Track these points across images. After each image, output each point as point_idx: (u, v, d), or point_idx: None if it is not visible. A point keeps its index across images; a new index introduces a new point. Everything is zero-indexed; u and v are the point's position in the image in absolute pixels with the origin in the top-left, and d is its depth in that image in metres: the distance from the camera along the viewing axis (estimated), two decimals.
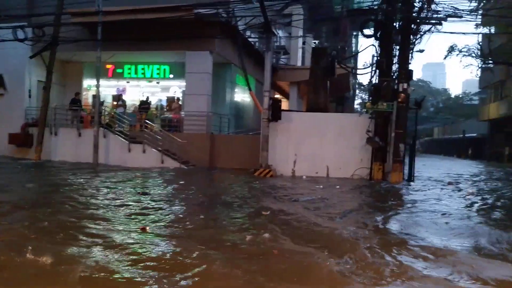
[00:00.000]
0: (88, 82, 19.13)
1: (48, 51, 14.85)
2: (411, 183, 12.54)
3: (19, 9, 14.70)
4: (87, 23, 15.11)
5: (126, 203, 7.39)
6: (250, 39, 18.19)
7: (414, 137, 14.47)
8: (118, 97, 17.72)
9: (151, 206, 7.16)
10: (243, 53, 14.59)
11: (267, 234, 5.23)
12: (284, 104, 24.84)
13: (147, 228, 5.44)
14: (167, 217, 6.39)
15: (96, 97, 15.02)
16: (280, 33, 23.74)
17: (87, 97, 19.11)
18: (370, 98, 13.29)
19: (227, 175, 12.93)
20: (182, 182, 10.91)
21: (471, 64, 32.83)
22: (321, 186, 11.04)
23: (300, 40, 25.66)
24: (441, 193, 10.58)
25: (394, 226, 6.33)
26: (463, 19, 12.39)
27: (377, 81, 12.99)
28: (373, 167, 12.68)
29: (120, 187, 9.36)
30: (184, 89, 17.06)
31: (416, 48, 13.32)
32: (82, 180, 10.43)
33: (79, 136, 15.14)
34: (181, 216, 6.60)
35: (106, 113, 16.51)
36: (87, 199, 7.64)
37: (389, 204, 8.80)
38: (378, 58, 12.57)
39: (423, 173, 15.68)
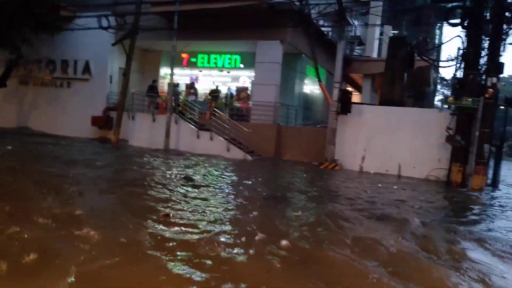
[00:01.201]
0: (165, 71, 19.94)
1: (129, 39, 15.67)
2: (496, 190, 11.29)
3: None
4: (165, 12, 15.66)
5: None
6: (323, 29, 17.60)
7: (502, 138, 12.97)
8: (190, 85, 18.24)
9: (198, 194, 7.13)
10: (315, 43, 14.14)
11: (285, 241, 4.45)
12: (357, 98, 23.87)
13: (171, 214, 5.26)
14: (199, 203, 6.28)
15: (170, 84, 15.59)
16: (356, 22, 22.74)
17: (164, 84, 19.95)
18: (453, 92, 12.12)
19: (291, 167, 12.68)
20: (241, 170, 10.93)
21: None
22: (379, 185, 10.24)
23: (378, 30, 24.36)
24: None
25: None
26: None
27: (462, 75, 11.81)
28: (452, 169, 11.58)
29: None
30: (253, 79, 17.05)
31: (510, 39, 11.88)
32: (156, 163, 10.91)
33: (153, 121, 15.83)
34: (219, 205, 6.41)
35: (179, 100, 17.07)
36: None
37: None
38: (465, 49, 11.39)
39: (510, 179, 14.10)
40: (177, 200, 6.34)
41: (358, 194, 8.62)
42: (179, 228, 4.76)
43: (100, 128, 17.63)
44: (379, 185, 10.27)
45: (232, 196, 7.24)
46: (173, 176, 8.71)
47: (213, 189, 7.69)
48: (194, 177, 8.66)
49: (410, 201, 8.21)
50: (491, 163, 11.98)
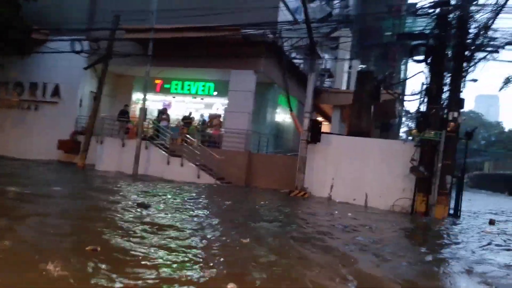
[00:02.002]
0: (138, 96, 19.82)
1: (101, 63, 15.61)
2: (457, 220, 11.73)
3: (77, 24, 15.63)
4: (140, 39, 15.78)
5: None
6: (295, 61, 18.20)
7: (463, 169, 13.57)
8: (162, 111, 18.21)
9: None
10: (287, 74, 14.58)
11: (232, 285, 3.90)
12: (326, 128, 24.49)
13: (98, 248, 4.65)
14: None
15: (142, 109, 15.52)
16: (326, 56, 23.63)
17: (136, 109, 19.80)
18: (417, 125, 12.72)
19: (260, 194, 12.72)
20: (207, 197, 10.78)
21: None
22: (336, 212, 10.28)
23: (346, 64, 25.37)
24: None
25: None
26: None
27: (425, 109, 12.45)
28: (417, 198, 11.99)
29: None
30: (226, 106, 17.26)
31: (470, 76, 12.72)
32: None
33: (122, 146, 15.59)
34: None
35: (151, 125, 16.98)
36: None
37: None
38: (428, 84, 12.06)
39: (470, 209, 14.65)
40: (119, 230, 5.76)
41: (315, 223, 8.51)
42: (104, 268, 4.08)
43: (66, 152, 17.17)
44: (336, 211, 10.35)
45: (186, 225, 6.74)
46: (128, 203, 8.27)
47: (168, 217, 7.24)
48: (150, 204, 8.19)
49: (363, 230, 8.22)
50: (453, 193, 12.46)
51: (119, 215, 6.94)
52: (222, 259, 4.83)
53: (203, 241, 5.73)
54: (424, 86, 12.78)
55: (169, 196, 10.21)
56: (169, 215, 7.49)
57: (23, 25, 15.97)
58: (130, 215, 7.04)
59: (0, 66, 16.23)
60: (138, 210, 7.59)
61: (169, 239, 5.55)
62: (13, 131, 18.47)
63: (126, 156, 15.08)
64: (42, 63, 17.87)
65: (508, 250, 7.59)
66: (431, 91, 12.03)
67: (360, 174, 13.00)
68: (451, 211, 12.21)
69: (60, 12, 17.64)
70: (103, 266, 4.11)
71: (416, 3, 15.45)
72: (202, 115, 18.40)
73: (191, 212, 8.11)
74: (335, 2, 23.79)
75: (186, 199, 10.04)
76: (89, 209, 7.43)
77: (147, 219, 6.82)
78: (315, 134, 13.10)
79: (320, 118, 25.26)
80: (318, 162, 13.39)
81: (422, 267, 5.73)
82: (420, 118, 12.22)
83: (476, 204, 17.72)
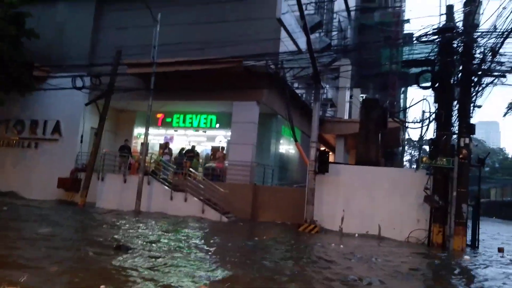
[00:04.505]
0: (139, 130, 19.61)
1: (103, 99, 15.44)
2: (477, 251, 11.13)
3: (79, 59, 15.60)
4: (141, 73, 15.71)
5: None
6: (297, 91, 18.08)
7: (478, 197, 13.08)
8: (165, 145, 17.91)
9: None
10: (290, 104, 14.38)
11: None
12: (330, 158, 24.14)
13: None
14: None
15: (144, 144, 15.21)
16: (327, 86, 23.64)
17: (137, 144, 19.51)
18: (429, 153, 12.30)
19: (267, 230, 12.10)
20: (207, 235, 10.07)
21: None
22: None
23: (348, 93, 25.39)
24: None
25: None
26: None
27: (434, 135, 12.12)
28: (432, 230, 11.43)
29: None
30: (229, 138, 16.97)
31: (477, 102, 12.45)
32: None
33: (124, 182, 15.16)
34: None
35: (153, 160, 16.61)
36: None
37: None
38: (436, 110, 11.79)
39: (484, 238, 13.98)
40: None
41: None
42: None
43: (67, 190, 16.70)
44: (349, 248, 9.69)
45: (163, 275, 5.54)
46: (106, 244, 7.47)
47: (146, 264, 6.01)
48: (129, 247, 7.18)
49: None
50: (469, 223, 11.92)
51: (85, 260, 6.15)
52: None
53: None
54: (427, 114, 12.52)
55: (161, 235, 9.17)
56: (149, 261, 6.21)
57: (24, 62, 15.91)
58: (100, 259, 6.20)
59: (1, 103, 16.02)
60: (116, 253, 6.61)
61: None
62: (14, 169, 18.11)
63: (128, 193, 14.61)
64: (43, 100, 17.76)
65: None
66: (440, 117, 11.73)
67: (372, 204, 12.49)
68: (468, 242, 11.64)
69: (61, 49, 17.70)
70: None
71: (412, 33, 15.47)
72: (193, 146, 17.75)
73: (181, 258, 6.76)
74: (333, 33, 24.09)
75: (184, 238, 9.06)
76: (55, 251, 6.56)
77: (117, 264, 5.87)
78: (322, 164, 12.72)
79: (323, 148, 24.94)
80: (327, 194, 12.92)
81: None
82: (431, 146, 11.85)
83: (492, 233, 16.99)
